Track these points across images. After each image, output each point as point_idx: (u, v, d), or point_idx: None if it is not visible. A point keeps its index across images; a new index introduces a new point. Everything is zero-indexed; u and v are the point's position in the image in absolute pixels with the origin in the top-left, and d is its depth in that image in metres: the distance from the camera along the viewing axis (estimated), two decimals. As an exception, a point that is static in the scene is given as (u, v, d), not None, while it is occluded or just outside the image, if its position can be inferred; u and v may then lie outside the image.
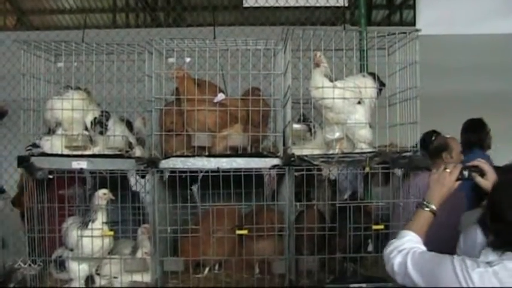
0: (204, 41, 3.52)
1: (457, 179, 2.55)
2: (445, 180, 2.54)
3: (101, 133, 3.56)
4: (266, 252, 3.46)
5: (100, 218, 3.44)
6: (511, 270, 2.11)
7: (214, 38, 3.55)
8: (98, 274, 3.59)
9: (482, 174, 2.55)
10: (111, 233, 3.47)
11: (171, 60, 3.53)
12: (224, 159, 3.39)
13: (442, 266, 2.23)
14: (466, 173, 2.55)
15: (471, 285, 2.12)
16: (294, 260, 3.40)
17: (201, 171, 3.49)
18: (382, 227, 3.35)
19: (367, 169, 3.42)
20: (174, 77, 3.48)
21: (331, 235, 3.40)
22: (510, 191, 2.25)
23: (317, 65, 3.37)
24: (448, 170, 2.56)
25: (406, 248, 2.39)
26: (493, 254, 2.22)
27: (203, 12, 7.34)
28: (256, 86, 3.60)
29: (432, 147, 4.19)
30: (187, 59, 3.51)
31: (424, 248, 2.42)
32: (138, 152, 3.63)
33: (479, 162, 2.59)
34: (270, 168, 3.42)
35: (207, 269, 3.62)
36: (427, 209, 2.51)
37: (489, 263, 2.16)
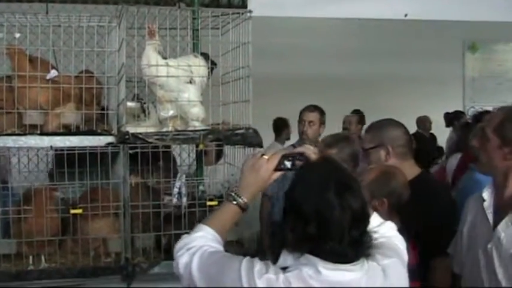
0: (36, 16, 3.42)
1: (278, 169, 2.05)
2: (260, 169, 2.03)
3: None
4: (102, 231, 3.44)
5: None
6: (307, 280, 1.76)
7: (47, 13, 3.47)
8: None
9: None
10: None
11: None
12: (57, 138, 3.32)
13: (228, 269, 1.86)
14: (288, 162, 2.04)
15: None
16: (129, 238, 3.41)
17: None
18: (216, 203, 3.42)
19: (201, 146, 3.49)
20: (5, 53, 3.36)
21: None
22: (307, 178, 1.87)
23: (151, 36, 3.35)
24: (265, 157, 2.05)
25: (196, 246, 1.96)
26: (290, 258, 1.84)
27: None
28: (88, 69, 3.54)
29: None
30: (17, 35, 3.39)
31: (219, 248, 2.01)
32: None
33: (306, 148, 2.07)
34: (104, 146, 3.40)
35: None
36: (234, 202, 2.04)
37: (285, 269, 1.81)
